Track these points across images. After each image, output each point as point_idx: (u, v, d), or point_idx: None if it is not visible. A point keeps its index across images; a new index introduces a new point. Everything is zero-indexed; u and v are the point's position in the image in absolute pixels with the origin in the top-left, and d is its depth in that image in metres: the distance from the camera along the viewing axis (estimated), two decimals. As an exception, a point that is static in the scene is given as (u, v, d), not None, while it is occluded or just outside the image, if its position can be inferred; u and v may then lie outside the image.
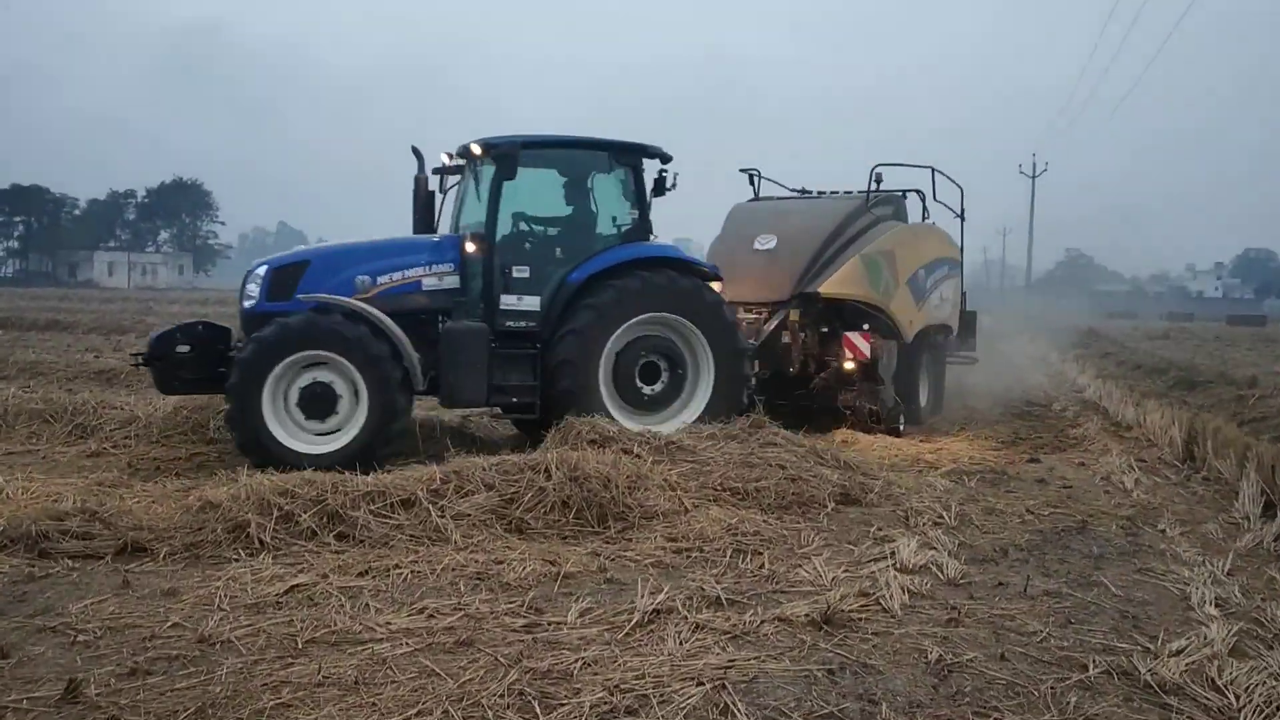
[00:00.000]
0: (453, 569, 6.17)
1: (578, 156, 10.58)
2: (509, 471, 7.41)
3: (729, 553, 6.75)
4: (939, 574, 6.42)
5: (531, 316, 10.00)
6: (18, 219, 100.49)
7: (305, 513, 6.72)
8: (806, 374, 12.68)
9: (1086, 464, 10.76)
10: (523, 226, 10.34)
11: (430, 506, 6.96)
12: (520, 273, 10.01)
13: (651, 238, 10.66)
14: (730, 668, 4.70)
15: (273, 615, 5.33)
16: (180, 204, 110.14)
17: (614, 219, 10.61)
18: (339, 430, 9.13)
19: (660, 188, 10.61)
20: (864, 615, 5.56)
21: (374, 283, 9.73)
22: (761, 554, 6.75)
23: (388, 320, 9.26)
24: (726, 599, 5.75)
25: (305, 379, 9.08)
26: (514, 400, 9.90)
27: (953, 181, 15.30)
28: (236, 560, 6.26)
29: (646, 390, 10.23)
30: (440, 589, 5.87)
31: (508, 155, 9.89)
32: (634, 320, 10.04)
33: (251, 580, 5.85)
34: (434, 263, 9.96)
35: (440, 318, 9.88)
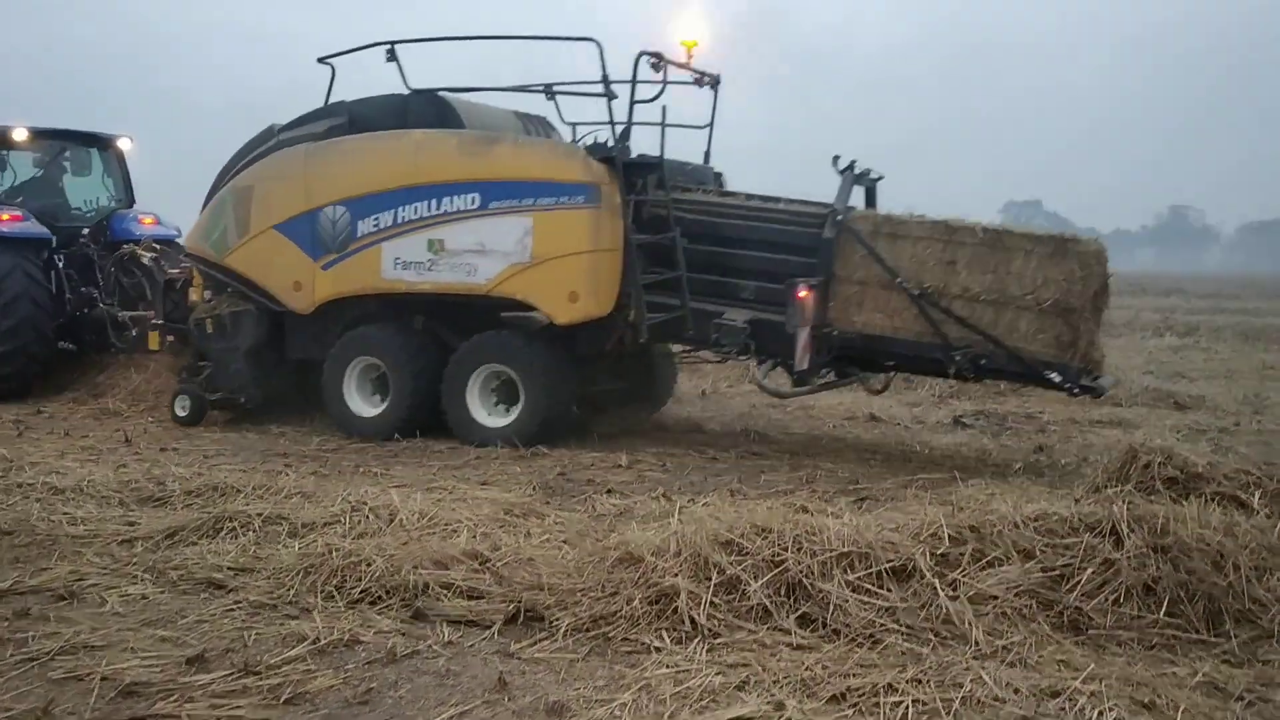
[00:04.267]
0: (979, 702, 3.84)
1: None
2: (1055, 531, 4.92)
3: None
4: None
5: None
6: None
7: (756, 579, 4.67)
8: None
9: None
10: None
11: (936, 581, 4.66)
12: None
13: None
14: None
15: (696, 780, 3.32)
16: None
17: None
18: None
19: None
20: None
21: None
22: None
23: None
24: None
25: None
26: None
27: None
28: (658, 649, 4.34)
29: None
30: (963, 745, 3.58)
31: None
32: None
33: (672, 693, 3.90)
34: None
35: None
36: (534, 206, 8.75)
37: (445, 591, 4.84)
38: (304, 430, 9.75)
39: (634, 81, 8.62)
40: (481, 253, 8.92)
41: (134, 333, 11.66)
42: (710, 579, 4.68)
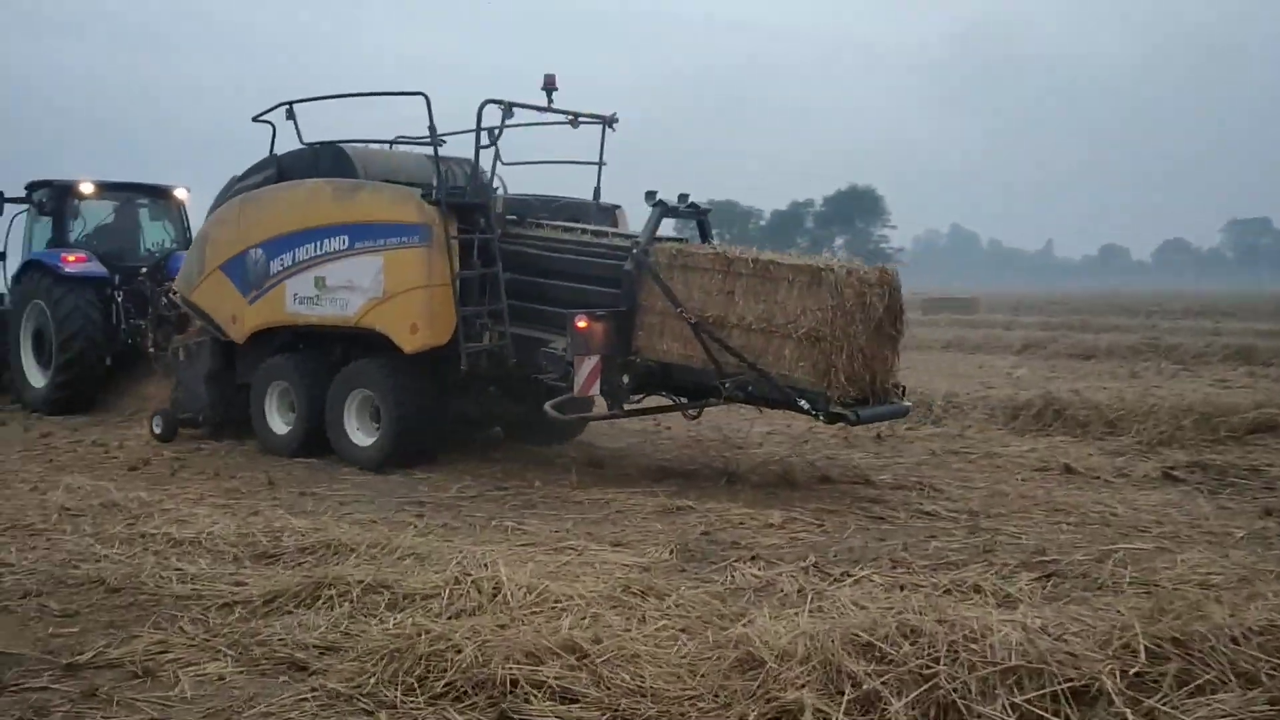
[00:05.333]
0: None
1: None
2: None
3: None
4: None
5: None
6: (714, 231, 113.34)
7: (898, 697, 3.86)
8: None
9: None
10: None
11: (1128, 710, 3.72)
12: None
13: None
14: None
15: None
16: (854, 210, 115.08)
17: None
18: None
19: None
20: None
21: None
22: None
23: None
24: None
25: None
26: None
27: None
28: (774, 785, 3.59)
29: None
30: None
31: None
32: None
33: None
34: None
35: None
36: (384, 246, 9.59)
37: (535, 691, 4.20)
38: (446, 476, 9.36)
39: (478, 130, 9.22)
40: (350, 289, 9.83)
41: (168, 359, 12.65)
42: (843, 694, 3.91)
